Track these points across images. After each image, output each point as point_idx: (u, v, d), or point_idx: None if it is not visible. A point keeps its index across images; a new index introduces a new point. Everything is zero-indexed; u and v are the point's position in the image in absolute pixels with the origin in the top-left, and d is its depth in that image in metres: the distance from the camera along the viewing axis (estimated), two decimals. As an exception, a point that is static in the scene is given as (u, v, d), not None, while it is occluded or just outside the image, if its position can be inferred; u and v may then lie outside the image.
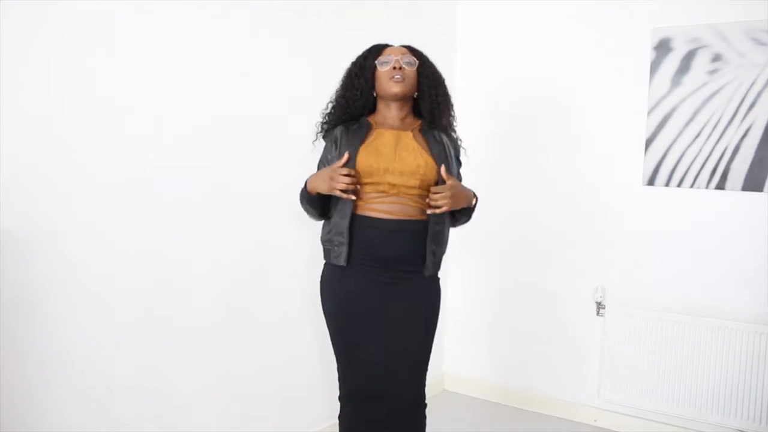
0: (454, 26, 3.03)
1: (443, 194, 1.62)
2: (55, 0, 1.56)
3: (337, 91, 1.77)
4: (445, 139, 1.74)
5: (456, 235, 3.12)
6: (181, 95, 1.88)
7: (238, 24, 2.03)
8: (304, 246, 2.17)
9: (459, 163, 1.82)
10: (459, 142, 1.82)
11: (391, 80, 1.67)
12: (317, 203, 1.70)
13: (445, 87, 1.77)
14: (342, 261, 1.66)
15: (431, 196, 1.63)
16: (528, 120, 2.88)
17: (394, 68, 1.67)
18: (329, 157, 1.73)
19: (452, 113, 1.79)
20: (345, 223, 1.64)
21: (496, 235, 2.97)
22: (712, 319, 2.45)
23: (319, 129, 1.79)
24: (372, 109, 1.76)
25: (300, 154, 2.29)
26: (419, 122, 1.76)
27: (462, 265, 3.08)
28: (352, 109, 1.73)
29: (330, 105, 1.78)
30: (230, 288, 2.08)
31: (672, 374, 2.53)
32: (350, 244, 1.65)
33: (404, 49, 1.74)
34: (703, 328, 2.46)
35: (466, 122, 3.03)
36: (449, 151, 1.74)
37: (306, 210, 1.76)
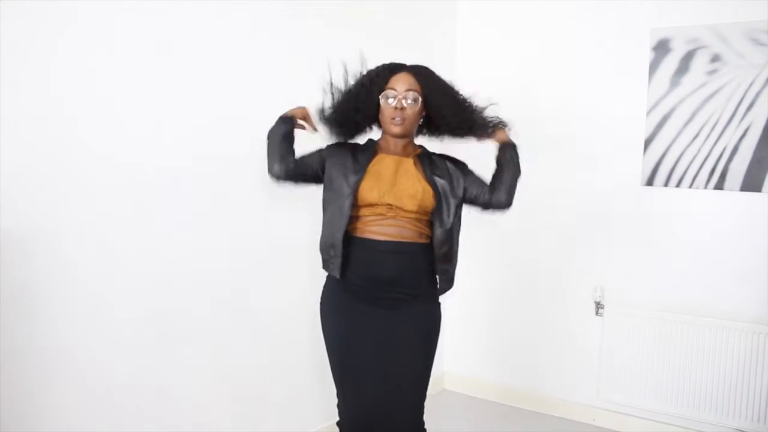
0: (454, 26, 3.04)
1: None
2: (54, 0, 1.56)
3: (344, 97, 1.72)
4: (448, 164, 1.75)
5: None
6: (181, 95, 1.88)
7: (238, 24, 2.03)
8: (304, 247, 2.17)
9: (474, 176, 1.77)
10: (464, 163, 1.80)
11: (391, 121, 1.67)
12: (284, 129, 1.72)
13: (458, 103, 1.73)
14: (336, 273, 1.67)
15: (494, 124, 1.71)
16: (527, 120, 2.87)
17: (396, 108, 1.66)
18: (323, 154, 1.73)
19: (477, 117, 1.75)
20: (339, 237, 1.65)
21: (495, 234, 2.98)
22: (710, 319, 2.46)
23: (321, 116, 1.76)
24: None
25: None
26: (419, 149, 1.77)
27: (461, 264, 3.08)
28: (357, 126, 1.74)
29: (336, 105, 1.73)
30: (230, 288, 2.08)
31: (671, 374, 2.53)
32: (343, 257, 1.65)
33: (411, 79, 1.68)
34: (701, 327, 2.47)
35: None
36: (453, 174, 1.72)
37: (270, 138, 1.73)
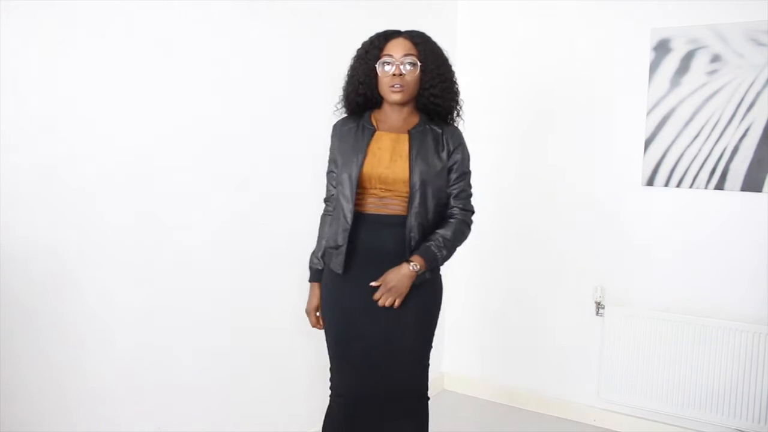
0: (454, 26, 3.04)
1: (385, 295, 1.66)
2: (52, 6, 1.56)
3: (346, 83, 1.76)
4: (444, 134, 1.71)
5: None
6: (181, 96, 1.88)
7: (240, 24, 2.03)
8: (305, 246, 2.17)
9: (461, 158, 1.74)
10: (458, 128, 1.78)
11: (390, 89, 1.65)
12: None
13: (448, 81, 1.71)
14: (339, 269, 1.69)
15: (379, 299, 1.66)
16: (527, 120, 2.89)
17: (394, 75, 1.64)
18: (332, 147, 1.80)
19: (455, 105, 1.75)
20: (344, 228, 1.68)
21: (495, 234, 2.98)
22: (711, 319, 2.46)
23: (341, 107, 1.80)
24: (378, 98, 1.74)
25: (304, 154, 2.29)
26: (417, 120, 1.73)
27: (462, 264, 3.08)
28: (362, 106, 1.75)
29: (343, 96, 1.78)
30: (230, 289, 2.08)
31: (671, 374, 2.53)
32: (347, 251, 1.67)
33: (408, 44, 1.66)
34: (702, 328, 2.47)
35: (464, 122, 3.04)
36: (443, 150, 1.70)
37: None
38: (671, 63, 2.51)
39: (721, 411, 2.44)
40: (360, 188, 1.68)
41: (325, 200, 1.84)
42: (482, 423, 2.76)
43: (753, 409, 2.39)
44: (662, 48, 2.52)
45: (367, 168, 1.66)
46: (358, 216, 1.69)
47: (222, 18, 1.98)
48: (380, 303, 1.66)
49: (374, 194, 1.68)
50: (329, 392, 1.83)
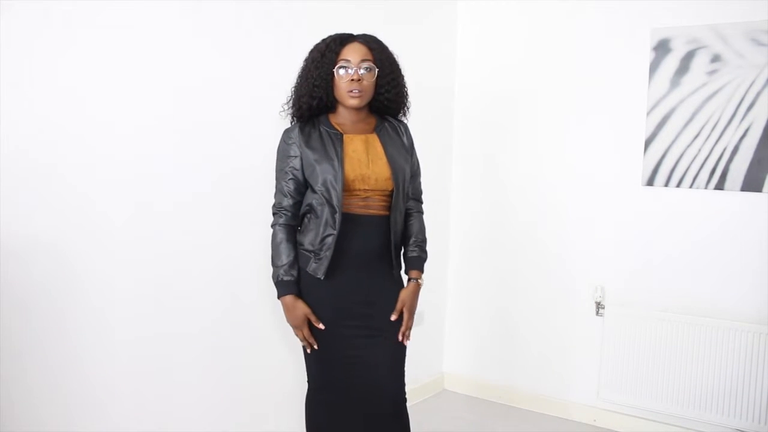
0: (454, 26, 3.04)
1: (408, 327, 1.75)
2: (52, 6, 1.56)
3: (297, 85, 1.71)
4: (400, 129, 1.79)
5: (456, 234, 3.12)
6: (182, 96, 1.88)
7: (244, 23, 2.04)
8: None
9: (414, 151, 1.83)
10: (406, 122, 1.84)
11: (348, 93, 1.65)
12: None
13: (401, 85, 1.75)
14: (321, 274, 1.66)
15: (405, 334, 1.74)
16: (527, 120, 2.89)
17: (352, 80, 1.63)
18: (291, 154, 1.69)
19: (406, 106, 1.80)
20: (330, 233, 1.65)
21: (495, 234, 2.98)
22: (711, 319, 2.46)
23: (289, 112, 1.75)
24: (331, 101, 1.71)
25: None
26: (375, 120, 1.76)
27: (462, 264, 3.08)
28: (315, 110, 1.70)
29: (293, 98, 1.72)
30: (230, 287, 2.09)
31: (671, 374, 2.53)
32: (332, 256, 1.65)
33: (364, 49, 1.66)
34: (702, 327, 2.47)
35: (465, 121, 3.05)
36: (406, 145, 1.78)
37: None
38: (671, 63, 2.51)
39: (722, 411, 2.44)
40: (344, 191, 1.66)
41: (280, 210, 1.71)
42: (482, 423, 2.76)
43: (753, 409, 2.39)
44: (662, 48, 2.52)
45: (349, 171, 1.65)
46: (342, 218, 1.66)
47: (223, 18, 1.98)
48: (405, 327, 1.73)
49: (357, 195, 1.67)
50: (306, 385, 1.81)
